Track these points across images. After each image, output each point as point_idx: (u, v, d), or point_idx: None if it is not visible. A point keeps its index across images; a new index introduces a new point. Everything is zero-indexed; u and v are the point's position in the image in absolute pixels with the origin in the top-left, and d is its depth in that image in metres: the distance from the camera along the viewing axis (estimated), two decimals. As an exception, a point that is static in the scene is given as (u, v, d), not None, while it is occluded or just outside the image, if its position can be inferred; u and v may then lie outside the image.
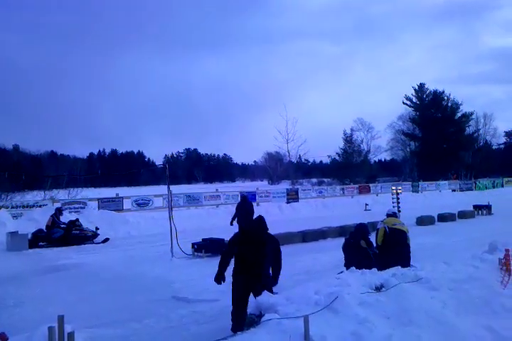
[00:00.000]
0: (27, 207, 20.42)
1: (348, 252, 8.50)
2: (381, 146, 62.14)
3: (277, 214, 23.82)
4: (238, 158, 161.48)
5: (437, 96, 59.89)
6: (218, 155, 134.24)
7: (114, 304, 7.87)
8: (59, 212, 16.72)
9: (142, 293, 8.60)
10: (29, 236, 15.33)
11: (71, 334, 3.39)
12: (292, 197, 29.20)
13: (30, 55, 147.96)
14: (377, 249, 8.49)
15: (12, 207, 20.17)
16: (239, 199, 24.42)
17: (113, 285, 9.37)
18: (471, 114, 60.46)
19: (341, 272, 6.98)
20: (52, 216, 16.19)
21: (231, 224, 13.79)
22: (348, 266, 7.93)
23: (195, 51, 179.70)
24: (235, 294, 6.20)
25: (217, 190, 28.16)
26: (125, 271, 10.65)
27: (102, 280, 9.89)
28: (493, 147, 68.45)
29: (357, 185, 36.77)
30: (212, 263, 11.58)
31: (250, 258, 6.19)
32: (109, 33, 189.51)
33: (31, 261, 12.63)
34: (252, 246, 6.26)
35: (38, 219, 17.40)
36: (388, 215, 9.08)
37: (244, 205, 14.29)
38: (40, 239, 15.64)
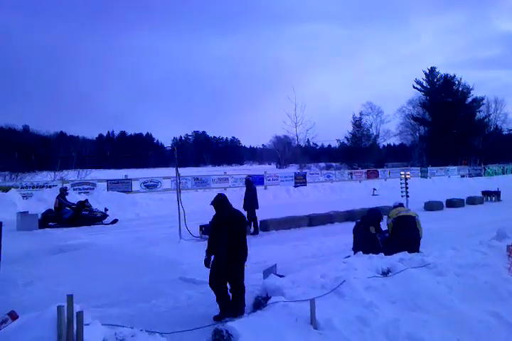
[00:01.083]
0: (37, 187, 20.59)
1: (357, 236, 8.49)
2: (390, 131, 61.86)
3: (285, 198, 23.89)
4: (246, 141, 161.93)
5: (448, 81, 59.08)
6: (227, 138, 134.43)
7: (123, 284, 7.96)
8: (64, 192, 16.78)
9: (150, 273, 8.69)
10: (39, 216, 15.49)
11: (80, 314, 3.43)
12: (300, 181, 29.18)
13: (41, 36, 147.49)
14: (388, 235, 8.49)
15: (22, 188, 20.35)
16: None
17: (121, 265, 9.46)
18: (482, 98, 59.75)
19: (348, 256, 7.00)
20: (57, 197, 16.27)
21: (244, 208, 13.83)
22: (355, 249, 7.94)
23: (205, 32, 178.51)
24: (213, 281, 6.19)
25: (225, 172, 28.20)
26: (134, 252, 10.75)
27: (110, 260, 9.99)
28: (504, 133, 67.68)
29: (365, 170, 36.64)
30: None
31: (223, 239, 6.11)
32: (119, 13, 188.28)
33: (41, 241, 12.76)
34: (222, 227, 6.21)
35: (48, 200, 17.55)
36: (395, 207, 9.03)
37: (249, 189, 14.28)
38: (50, 219, 15.79)
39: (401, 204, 9.19)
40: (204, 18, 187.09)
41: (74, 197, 17.77)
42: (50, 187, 20.30)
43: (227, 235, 6.08)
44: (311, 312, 4.22)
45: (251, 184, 14.59)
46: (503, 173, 42.76)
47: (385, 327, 4.26)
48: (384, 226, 8.67)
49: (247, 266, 6.36)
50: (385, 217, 8.84)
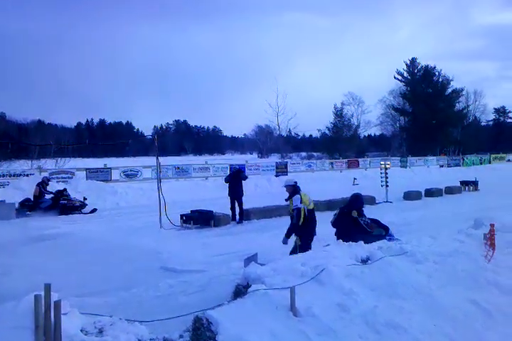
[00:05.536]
0: (13, 176, 20.20)
1: (341, 223, 8.42)
2: (371, 121, 62.22)
3: (266, 187, 23.92)
4: (228, 131, 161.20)
5: (428, 72, 59.48)
6: (208, 127, 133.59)
7: (102, 273, 7.89)
8: (47, 181, 16.61)
9: (130, 263, 8.62)
10: (16, 205, 15.25)
11: (57, 303, 3.38)
12: (281, 170, 29.23)
13: (19, 21, 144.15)
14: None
15: (-2, 176, 19.95)
16: (228, 171, 24.38)
17: (101, 254, 9.37)
18: (462, 90, 60.34)
19: (328, 245, 7.04)
20: (38, 185, 16.07)
21: (231, 195, 14.02)
22: (339, 237, 7.92)
23: (186, 21, 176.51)
24: None
25: (206, 162, 28.09)
26: (113, 241, 10.65)
27: (89, 250, 9.89)
28: (482, 124, 68.75)
29: (346, 160, 36.79)
30: (201, 235, 11.70)
31: None
32: (98, 0, 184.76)
33: (18, 230, 12.56)
34: None
35: (25, 188, 17.27)
36: (292, 187, 8.27)
37: (239, 177, 14.34)
38: (27, 208, 15.56)
39: (295, 183, 8.41)
40: (183, 6, 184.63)
41: (52, 186, 17.50)
42: (27, 175, 19.94)
43: None
44: (291, 300, 4.23)
45: (240, 172, 14.76)
46: (481, 163, 43.43)
47: (364, 314, 4.30)
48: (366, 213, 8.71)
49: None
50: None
